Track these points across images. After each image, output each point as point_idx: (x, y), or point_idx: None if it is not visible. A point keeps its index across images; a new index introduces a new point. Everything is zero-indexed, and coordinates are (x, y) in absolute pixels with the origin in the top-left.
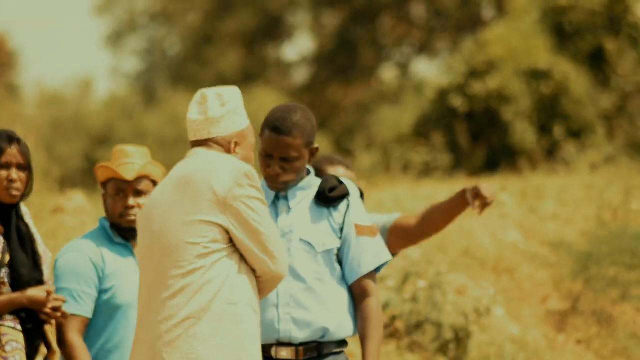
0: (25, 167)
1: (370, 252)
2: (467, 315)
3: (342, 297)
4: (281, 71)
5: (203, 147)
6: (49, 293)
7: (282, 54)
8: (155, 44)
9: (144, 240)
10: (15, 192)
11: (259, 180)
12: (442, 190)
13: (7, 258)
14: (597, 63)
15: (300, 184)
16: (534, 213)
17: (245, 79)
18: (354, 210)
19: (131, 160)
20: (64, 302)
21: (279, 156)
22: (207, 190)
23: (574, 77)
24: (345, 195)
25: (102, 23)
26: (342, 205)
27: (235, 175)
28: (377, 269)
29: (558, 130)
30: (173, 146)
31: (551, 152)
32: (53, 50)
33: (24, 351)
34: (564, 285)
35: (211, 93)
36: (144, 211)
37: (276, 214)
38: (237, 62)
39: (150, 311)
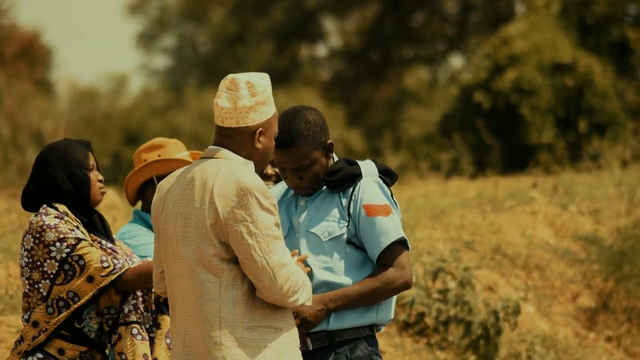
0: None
1: (382, 232)
2: (497, 312)
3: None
4: (312, 68)
5: (224, 142)
6: None
7: (313, 51)
8: (186, 41)
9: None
10: (104, 191)
11: (270, 196)
12: (471, 188)
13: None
14: (621, 54)
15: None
16: (564, 210)
17: (277, 77)
18: (363, 191)
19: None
20: None
21: (291, 167)
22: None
23: (598, 70)
24: (353, 177)
25: (136, 21)
26: (350, 188)
27: (238, 195)
28: (405, 244)
29: (583, 125)
30: (206, 143)
31: (578, 147)
32: (85, 48)
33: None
34: (594, 282)
35: (242, 81)
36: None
37: (295, 209)
38: (268, 59)
39: None
